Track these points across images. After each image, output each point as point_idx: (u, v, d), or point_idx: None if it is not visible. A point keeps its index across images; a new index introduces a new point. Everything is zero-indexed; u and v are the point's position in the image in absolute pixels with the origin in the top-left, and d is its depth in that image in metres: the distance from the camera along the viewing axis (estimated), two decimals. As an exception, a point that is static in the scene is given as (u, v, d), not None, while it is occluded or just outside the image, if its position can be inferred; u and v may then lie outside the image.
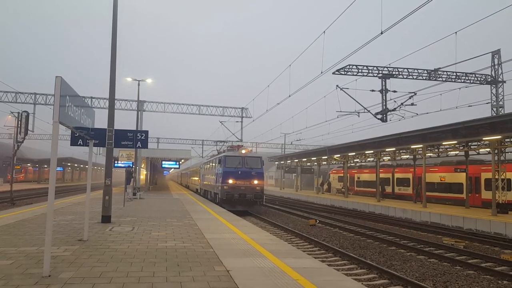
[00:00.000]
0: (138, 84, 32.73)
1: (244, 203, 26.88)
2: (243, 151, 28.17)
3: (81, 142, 10.55)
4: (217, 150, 39.93)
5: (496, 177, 24.17)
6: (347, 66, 27.53)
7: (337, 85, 26.87)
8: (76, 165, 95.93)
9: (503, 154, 25.98)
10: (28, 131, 32.89)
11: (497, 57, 29.69)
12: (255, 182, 27.19)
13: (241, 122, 44.27)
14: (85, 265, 7.51)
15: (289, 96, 27.51)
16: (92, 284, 6.29)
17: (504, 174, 25.57)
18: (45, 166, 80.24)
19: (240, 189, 26.74)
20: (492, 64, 29.77)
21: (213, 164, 31.57)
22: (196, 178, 47.98)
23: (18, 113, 33.25)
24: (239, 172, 27.10)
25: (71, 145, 10.97)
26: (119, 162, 25.83)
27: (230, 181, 26.85)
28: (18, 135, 33.16)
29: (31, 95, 38.91)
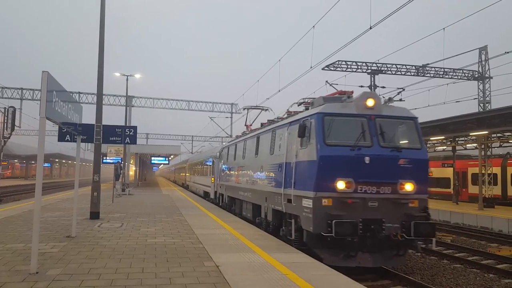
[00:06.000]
0: (127, 79, 32.48)
1: (375, 249, 9.20)
2: (369, 102, 9.71)
3: (69, 138, 10.44)
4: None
5: (483, 172, 24.49)
6: (336, 61, 27.63)
7: (326, 81, 26.92)
8: (64, 161, 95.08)
9: (490, 149, 26.35)
10: (15, 127, 32.47)
11: (484, 53, 30.02)
12: (408, 187, 9.29)
13: (231, 117, 44.28)
14: (73, 262, 7.46)
15: (279, 91, 27.48)
16: (80, 280, 6.25)
17: (490, 169, 25.94)
18: (33, 162, 79.43)
19: (366, 208, 9.10)
20: (480, 60, 30.09)
21: (271, 140, 12.56)
22: (203, 177, 29.96)
23: (5, 108, 32.77)
24: (364, 159, 9.15)
25: (58, 140, 10.86)
26: (107, 158, 25.65)
27: (340, 184, 9.00)
28: (5, 130, 32.72)
29: (18, 90, 38.41)
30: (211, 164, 25.78)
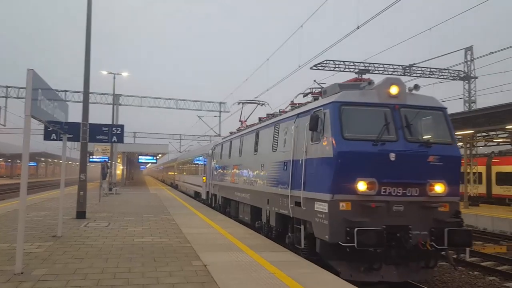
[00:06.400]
0: (114, 78, 32.26)
1: (400, 260, 7.88)
2: (393, 89, 8.34)
3: (55, 137, 10.35)
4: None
5: (468, 170, 24.82)
6: (324, 61, 27.73)
7: (314, 80, 27.02)
8: (50, 160, 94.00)
9: (475, 149, 26.72)
10: (0, 125, 32.01)
11: (469, 53, 30.42)
12: (438, 188, 8.05)
13: (219, 116, 44.23)
14: (59, 262, 7.38)
15: (267, 90, 27.51)
16: (66, 281, 6.19)
17: (475, 167, 26.30)
18: (18, 161, 78.32)
19: (390, 213, 7.84)
20: (465, 60, 30.49)
21: (277, 133, 11.04)
22: (194, 177, 28.85)
23: (-11, 106, 32.32)
24: (389, 156, 7.82)
25: (44, 139, 10.76)
26: (94, 156, 25.42)
27: (361, 185, 7.73)
28: (-11, 129, 32.24)
29: (3, 88, 37.86)
30: (202, 162, 24.48)
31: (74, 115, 13.09)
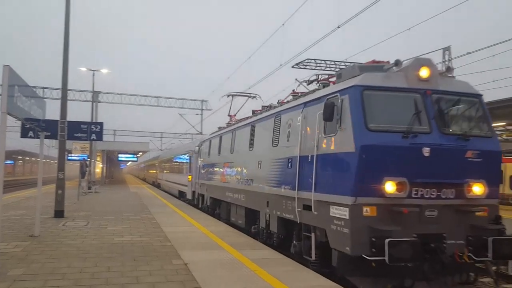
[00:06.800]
0: (93, 74, 31.76)
1: (434, 276, 6.67)
2: (424, 72, 7.19)
3: (32, 134, 10.18)
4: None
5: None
6: (306, 60, 27.82)
7: (296, 79, 27.15)
8: (27, 158, 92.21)
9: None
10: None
11: (447, 53, 31.01)
12: (476, 189, 6.98)
13: (201, 114, 44.02)
14: (37, 262, 7.25)
15: (249, 88, 27.49)
16: (43, 280, 6.09)
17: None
18: (-6, 159, 76.48)
19: (422, 219, 6.71)
20: (443, 60, 31.07)
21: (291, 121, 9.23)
22: (178, 175, 27.48)
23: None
24: (422, 150, 6.68)
25: (21, 137, 10.59)
26: (72, 155, 25.05)
27: (389, 186, 6.58)
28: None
29: (-23, 84, 36.94)
30: (188, 160, 22.95)
31: (53, 112, 12.88)
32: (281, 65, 21.34)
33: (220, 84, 34.71)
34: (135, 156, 47.96)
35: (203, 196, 18.38)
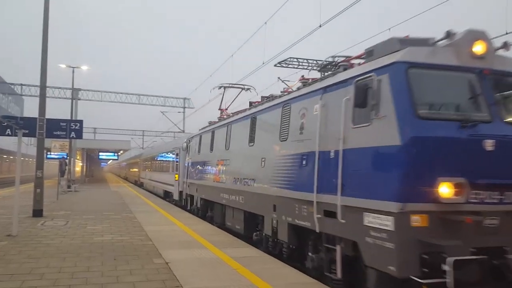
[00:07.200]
0: (73, 71, 31.14)
1: None
2: (478, 47, 5.73)
3: (10, 132, 10.00)
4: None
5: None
6: (288, 58, 27.91)
7: (278, 77, 27.20)
8: (5, 156, 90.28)
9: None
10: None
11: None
12: None
13: (184, 112, 43.74)
14: (14, 262, 7.13)
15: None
16: (21, 281, 5.99)
17: None
18: (-31, 157, 74.76)
19: (481, 229, 5.37)
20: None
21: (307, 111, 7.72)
22: (163, 174, 25.61)
23: None
24: (483, 144, 5.32)
25: (-2, 135, 10.35)
26: (51, 153, 24.64)
27: (445, 188, 5.18)
28: None
29: (-48, 80, 35.98)
30: (174, 158, 21.30)
31: (31, 109, 12.63)
32: (263, 63, 21.36)
33: (203, 81, 34.42)
34: (116, 154, 47.38)
35: (192, 197, 16.95)
